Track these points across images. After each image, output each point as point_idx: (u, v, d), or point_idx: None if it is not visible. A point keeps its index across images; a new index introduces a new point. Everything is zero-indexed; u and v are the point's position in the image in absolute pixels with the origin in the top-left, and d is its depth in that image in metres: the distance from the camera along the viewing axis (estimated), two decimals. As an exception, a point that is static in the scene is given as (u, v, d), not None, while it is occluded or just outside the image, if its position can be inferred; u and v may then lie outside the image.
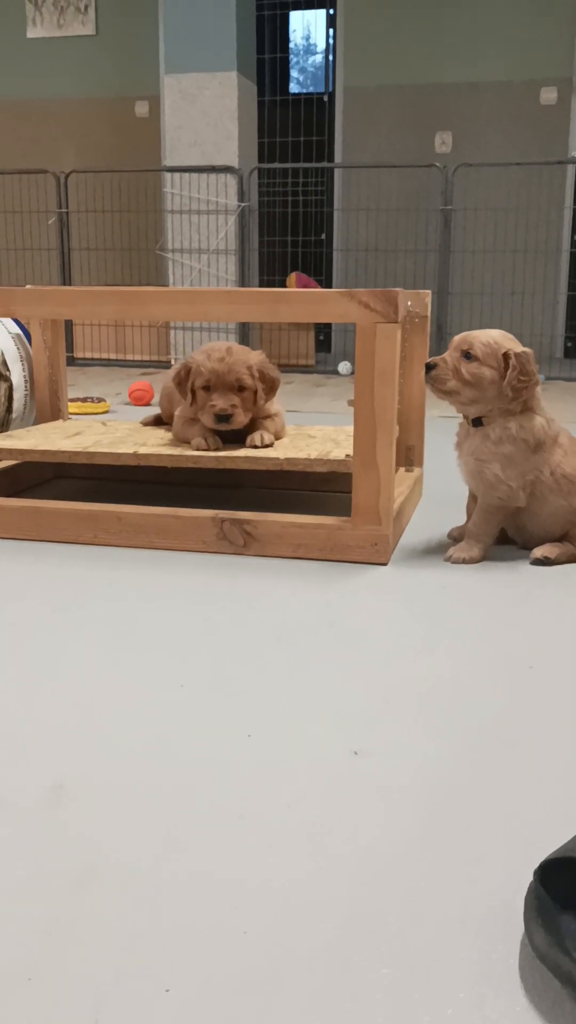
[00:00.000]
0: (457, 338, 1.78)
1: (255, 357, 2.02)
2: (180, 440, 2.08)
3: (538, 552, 1.78)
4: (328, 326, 7.56)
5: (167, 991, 0.69)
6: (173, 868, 0.84)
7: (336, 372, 6.07)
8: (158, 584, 1.65)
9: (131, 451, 1.96)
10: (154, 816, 0.93)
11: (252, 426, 2.05)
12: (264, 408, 2.08)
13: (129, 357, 6.37)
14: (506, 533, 1.87)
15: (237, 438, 2.03)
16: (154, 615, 1.49)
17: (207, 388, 1.99)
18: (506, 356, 1.72)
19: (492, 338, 1.74)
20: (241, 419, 1.99)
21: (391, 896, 0.81)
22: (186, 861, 0.85)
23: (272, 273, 7.35)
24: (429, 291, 2.25)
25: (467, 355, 1.73)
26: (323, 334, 7.65)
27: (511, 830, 0.91)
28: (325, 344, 7.72)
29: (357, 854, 0.87)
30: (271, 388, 2.05)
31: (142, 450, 1.97)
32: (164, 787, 0.98)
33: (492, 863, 0.85)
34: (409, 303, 2.16)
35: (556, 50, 7.06)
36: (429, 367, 1.77)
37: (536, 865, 0.80)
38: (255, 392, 2.01)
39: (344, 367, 5.97)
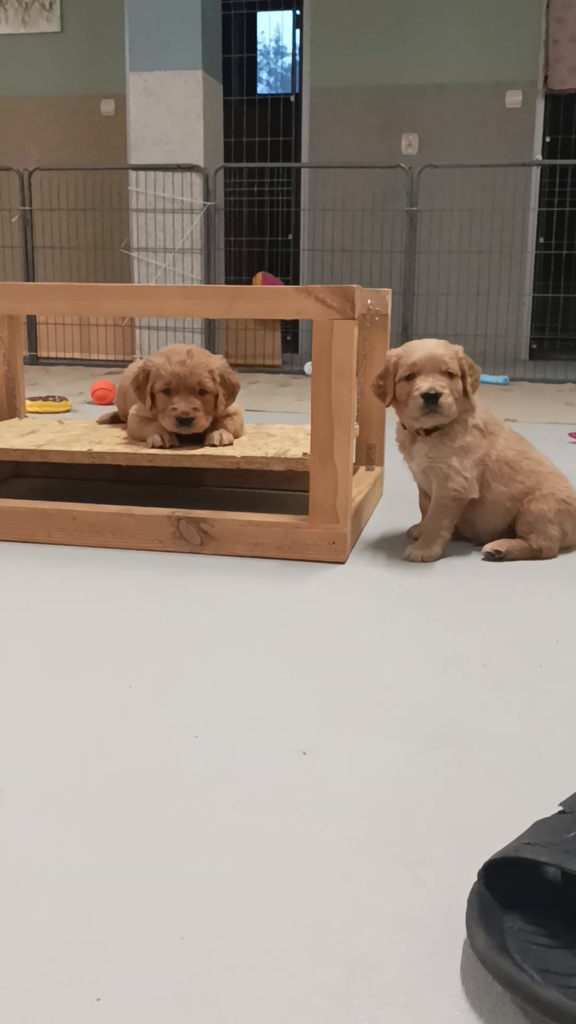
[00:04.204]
0: (422, 359, 1.70)
1: (216, 361, 2.00)
2: (135, 439, 2.05)
3: (489, 547, 1.78)
4: (295, 326, 7.54)
5: (98, 1000, 0.67)
6: (111, 872, 0.82)
7: (302, 372, 6.05)
8: (111, 584, 1.62)
9: (85, 449, 1.93)
10: (94, 820, 0.90)
11: (211, 425, 2.02)
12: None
13: (93, 356, 6.30)
14: (457, 529, 1.87)
15: (196, 437, 2.00)
16: (106, 615, 1.47)
17: (167, 391, 1.95)
18: (460, 361, 1.73)
19: (450, 349, 1.73)
20: (203, 423, 1.96)
21: (333, 898, 0.79)
22: (125, 865, 0.83)
23: (238, 273, 7.32)
24: (390, 289, 2.24)
25: (449, 374, 1.71)
26: (290, 334, 7.63)
27: (458, 831, 0.89)
28: (292, 344, 7.70)
29: (301, 856, 0.85)
30: (231, 394, 2.02)
31: (97, 448, 1.94)
32: (106, 790, 0.96)
33: (437, 865, 0.84)
34: (369, 301, 2.15)
35: (522, 53, 7.10)
36: (435, 397, 1.68)
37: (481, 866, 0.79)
38: (216, 396, 1.99)
39: (309, 367, 5.95)
